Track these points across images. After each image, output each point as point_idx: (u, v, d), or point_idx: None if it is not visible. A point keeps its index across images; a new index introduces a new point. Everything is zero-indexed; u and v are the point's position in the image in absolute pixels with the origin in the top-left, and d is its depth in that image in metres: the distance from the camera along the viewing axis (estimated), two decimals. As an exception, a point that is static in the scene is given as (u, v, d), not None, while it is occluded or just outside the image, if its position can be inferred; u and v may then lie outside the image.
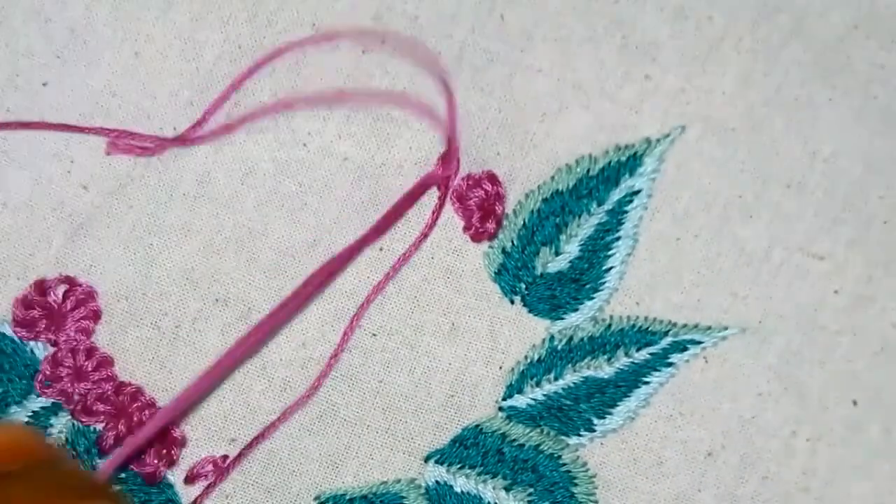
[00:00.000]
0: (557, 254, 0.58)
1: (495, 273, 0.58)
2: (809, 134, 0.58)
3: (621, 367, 0.58)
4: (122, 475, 0.57)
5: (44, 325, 0.56)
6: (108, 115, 0.57)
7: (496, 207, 0.58)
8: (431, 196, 0.58)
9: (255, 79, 0.57)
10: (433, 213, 0.58)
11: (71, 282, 0.57)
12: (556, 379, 0.58)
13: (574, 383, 0.58)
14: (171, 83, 0.57)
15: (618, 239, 0.58)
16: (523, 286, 0.58)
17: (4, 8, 0.57)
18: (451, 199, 0.58)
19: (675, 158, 0.58)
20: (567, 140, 0.58)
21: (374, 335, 0.58)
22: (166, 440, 0.57)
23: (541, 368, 0.58)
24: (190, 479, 0.57)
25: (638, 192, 0.58)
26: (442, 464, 0.58)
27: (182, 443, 0.57)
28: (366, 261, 0.58)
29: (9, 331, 0.57)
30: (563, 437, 0.58)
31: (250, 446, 0.57)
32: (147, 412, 0.57)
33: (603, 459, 0.58)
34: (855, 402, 0.59)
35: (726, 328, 0.58)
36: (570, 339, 0.58)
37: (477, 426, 0.58)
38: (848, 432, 0.59)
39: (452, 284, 0.58)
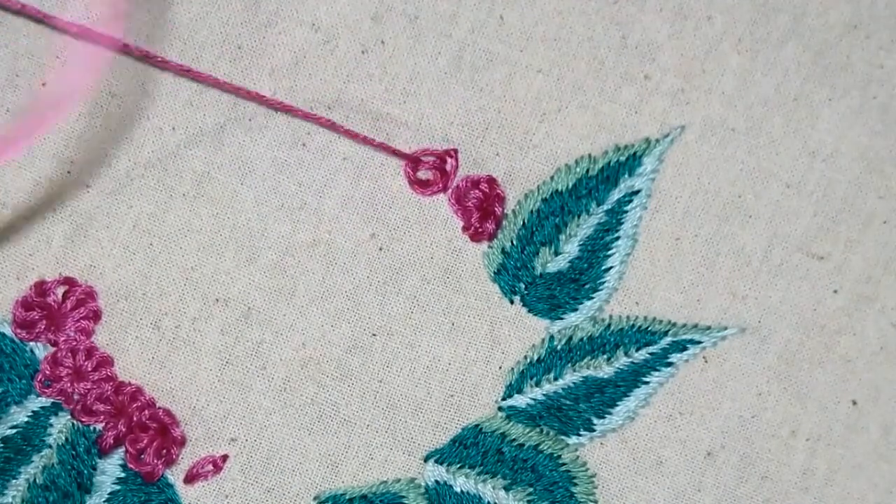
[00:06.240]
0: (557, 254, 0.58)
1: (495, 273, 0.58)
2: (809, 134, 0.59)
3: (621, 366, 0.58)
4: (123, 475, 0.57)
5: (44, 326, 0.56)
6: (107, 115, 0.57)
7: (495, 208, 0.58)
8: (431, 197, 0.58)
9: (254, 79, 0.57)
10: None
11: (71, 282, 0.57)
12: (555, 379, 0.58)
13: (574, 383, 0.58)
14: (170, 83, 0.57)
15: (617, 239, 0.58)
16: (523, 286, 0.58)
17: (4, 8, 0.57)
18: (450, 199, 0.58)
19: (675, 158, 0.58)
20: (566, 140, 0.58)
21: (374, 335, 0.58)
22: (166, 439, 0.57)
23: (540, 368, 0.58)
24: (190, 479, 0.57)
25: (637, 192, 0.58)
26: (441, 463, 0.58)
27: (182, 442, 0.57)
28: (365, 261, 0.58)
29: (8, 331, 0.57)
30: (562, 437, 0.58)
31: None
32: (147, 412, 0.57)
33: (602, 459, 0.58)
34: (854, 402, 0.59)
35: (726, 328, 0.58)
36: (570, 338, 0.58)
37: (476, 426, 0.58)
38: (847, 432, 0.59)
39: (452, 284, 0.58)
